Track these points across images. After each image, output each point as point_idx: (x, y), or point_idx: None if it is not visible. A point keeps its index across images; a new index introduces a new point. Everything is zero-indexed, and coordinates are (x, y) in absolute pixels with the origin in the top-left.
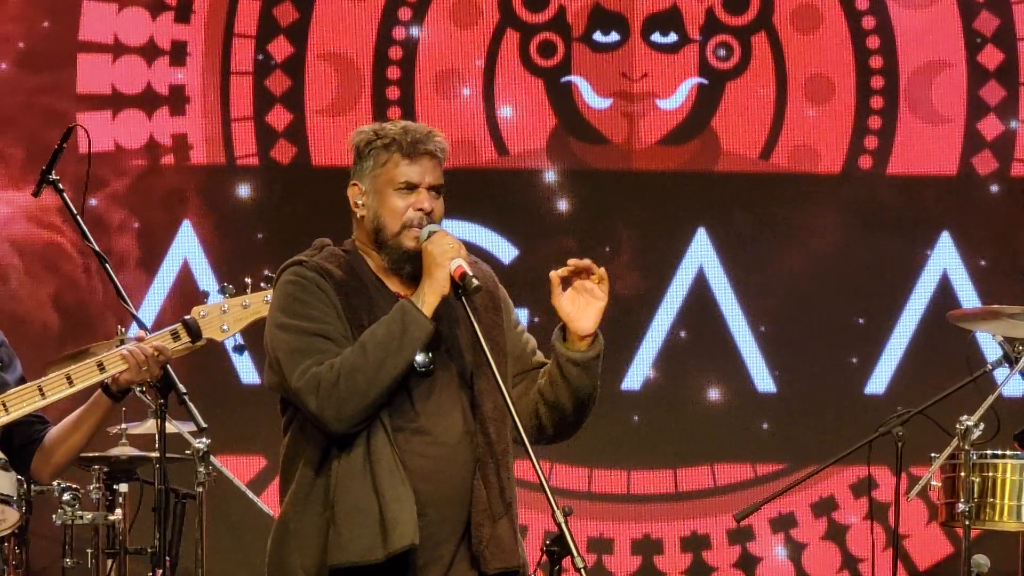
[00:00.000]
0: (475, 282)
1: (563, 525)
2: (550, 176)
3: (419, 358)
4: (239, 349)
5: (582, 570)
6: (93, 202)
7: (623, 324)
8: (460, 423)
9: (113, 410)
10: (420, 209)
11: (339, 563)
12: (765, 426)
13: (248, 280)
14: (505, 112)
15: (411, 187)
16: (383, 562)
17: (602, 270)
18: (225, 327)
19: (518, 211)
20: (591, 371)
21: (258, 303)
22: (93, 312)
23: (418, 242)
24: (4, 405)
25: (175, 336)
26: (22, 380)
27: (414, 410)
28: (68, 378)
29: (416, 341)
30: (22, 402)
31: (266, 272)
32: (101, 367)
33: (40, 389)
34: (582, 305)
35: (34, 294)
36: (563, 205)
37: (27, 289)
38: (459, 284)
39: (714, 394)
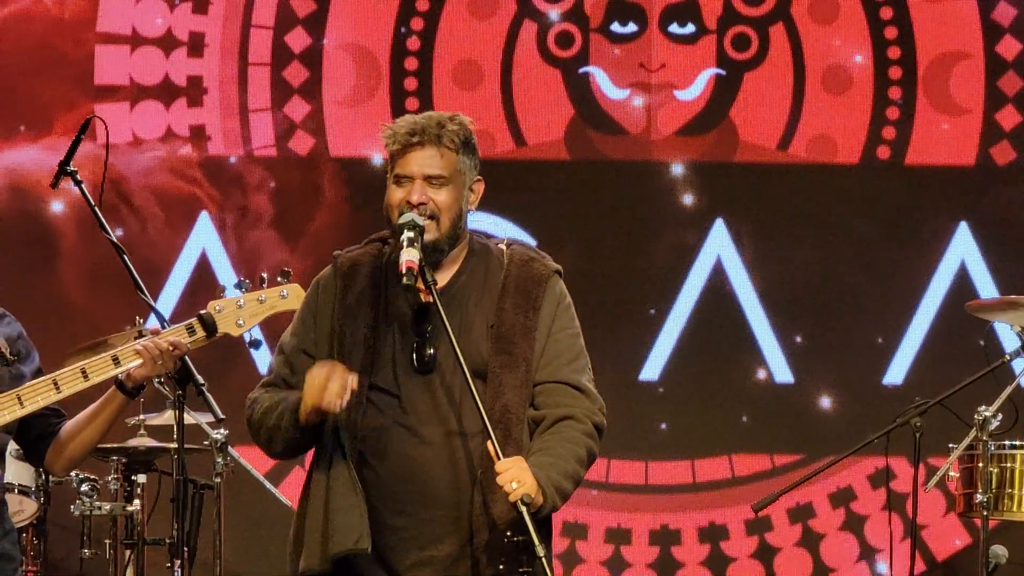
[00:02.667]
0: (404, 280)
1: (524, 514)
2: (677, 170)
3: (430, 351)
4: (254, 344)
5: (543, 559)
6: (232, 160)
7: (642, 314)
8: (455, 424)
9: (127, 405)
10: (408, 202)
11: (300, 572)
12: (782, 417)
13: (264, 275)
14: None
15: (406, 178)
16: (352, 565)
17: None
18: (241, 322)
19: (536, 202)
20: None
21: (274, 298)
22: (225, 265)
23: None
24: (19, 399)
25: (190, 330)
26: (39, 372)
27: (402, 408)
28: (83, 372)
29: (287, 430)
30: (37, 395)
31: (284, 268)
32: (116, 361)
33: (55, 383)
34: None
35: (171, 243)
36: (583, 197)
37: (164, 238)
38: (426, 279)
39: (732, 385)
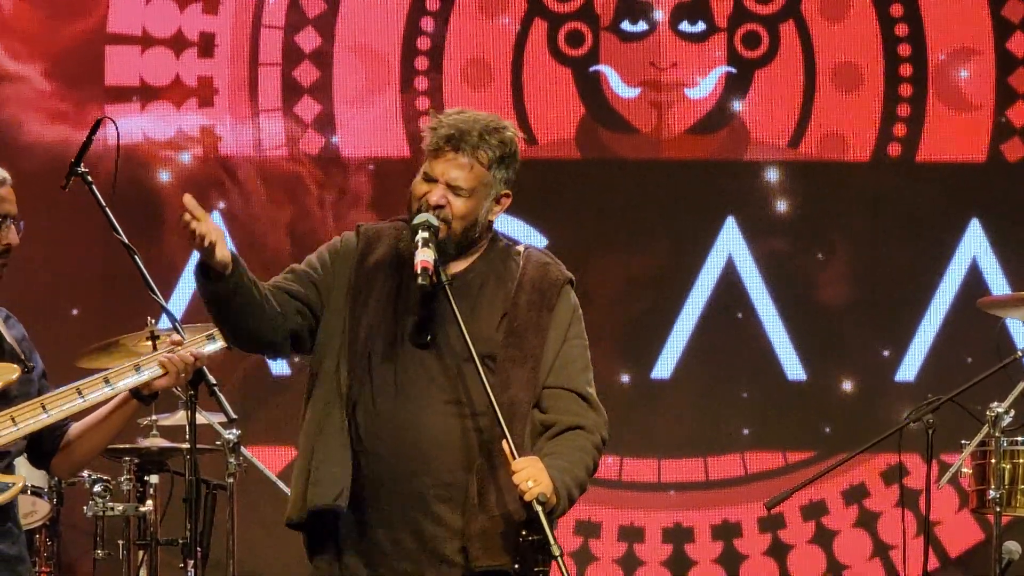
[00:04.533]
0: (419, 280)
1: (540, 513)
2: (772, 175)
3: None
4: None
5: (559, 558)
6: (335, 139)
7: (654, 311)
8: (454, 407)
9: (139, 411)
10: (428, 201)
11: (284, 521)
12: (795, 414)
13: None
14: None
15: (432, 179)
16: (340, 525)
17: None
18: None
19: (546, 200)
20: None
21: None
22: (324, 242)
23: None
24: (43, 406)
25: (211, 340)
26: (43, 375)
27: (395, 388)
28: (106, 380)
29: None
30: (61, 402)
31: None
32: (138, 370)
33: (79, 391)
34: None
35: (273, 219)
36: (595, 195)
37: (267, 213)
38: (440, 279)
39: (745, 383)
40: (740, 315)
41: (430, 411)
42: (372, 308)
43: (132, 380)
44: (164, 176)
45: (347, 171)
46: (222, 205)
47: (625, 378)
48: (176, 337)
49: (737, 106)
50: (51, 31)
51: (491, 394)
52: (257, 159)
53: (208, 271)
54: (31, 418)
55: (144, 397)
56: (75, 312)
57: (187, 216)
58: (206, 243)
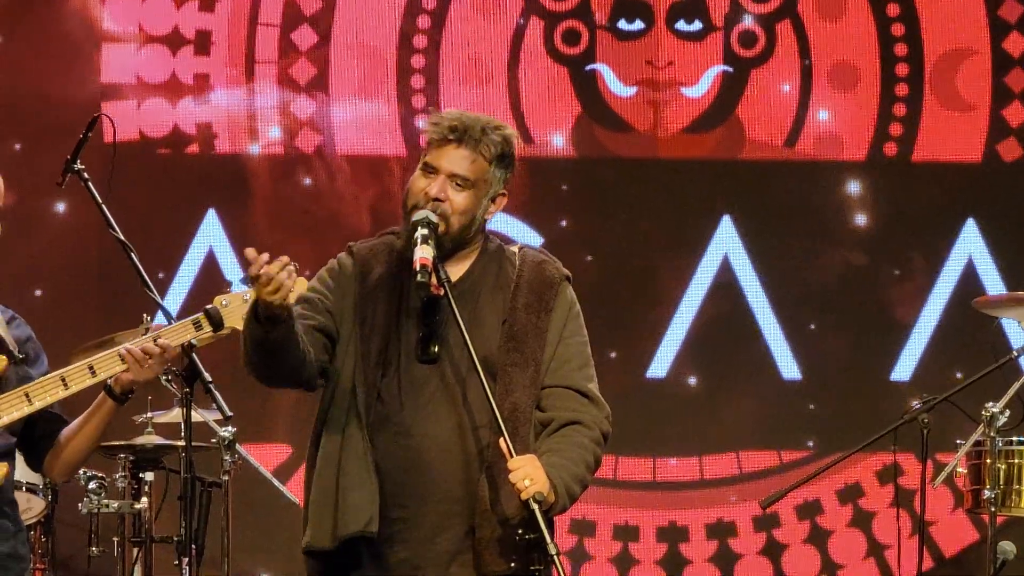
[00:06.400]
0: (418, 277)
1: (536, 512)
2: (851, 188)
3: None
4: None
5: (555, 556)
6: (421, 123)
7: (647, 311)
8: (462, 417)
9: (116, 411)
10: (427, 193)
11: (303, 547)
12: (791, 413)
13: None
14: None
15: (433, 170)
16: (348, 547)
17: (515, 470)
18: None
19: (542, 199)
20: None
21: None
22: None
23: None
24: (27, 396)
25: (197, 326)
26: (46, 375)
27: (410, 399)
28: (91, 368)
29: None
30: (45, 392)
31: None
32: (123, 359)
33: (63, 379)
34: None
35: (355, 198)
36: (589, 194)
37: (350, 192)
38: (439, 275)
39: (740, 381)
40: (733, 315)
41: (441, 427)
42: (380, 330)
43: (116, 368)
44: (254, 149)
45: None
46: (308, 181)
47: (621, 376)
48: (157, 324)
49: (733, 105)
50: None
51: (493, 402)
52: (343, 139)
53: (261, 316)
54: (14, 408)
55: (116, 395)
56: (161, 275)
57: (259, 266)
58: (278, 299)
